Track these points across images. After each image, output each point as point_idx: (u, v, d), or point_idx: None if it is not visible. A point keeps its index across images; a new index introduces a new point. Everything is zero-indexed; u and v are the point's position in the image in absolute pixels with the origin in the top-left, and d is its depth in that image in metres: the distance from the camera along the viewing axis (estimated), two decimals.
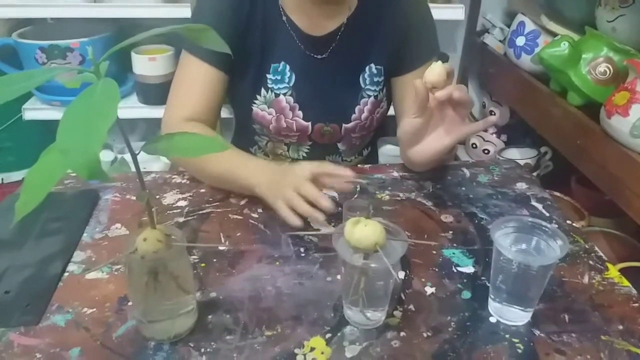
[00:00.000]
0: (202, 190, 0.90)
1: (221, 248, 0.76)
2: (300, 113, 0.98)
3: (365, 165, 1.03)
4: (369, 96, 0.99)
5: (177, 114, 0.92)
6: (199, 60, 0.92)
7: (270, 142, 1.05)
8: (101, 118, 0.42)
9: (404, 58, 0.98)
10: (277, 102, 0.97)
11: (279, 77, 0.96)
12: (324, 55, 0.96)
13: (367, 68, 0.98)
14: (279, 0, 0.93)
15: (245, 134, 1.07)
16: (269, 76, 0.96)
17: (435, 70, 0.77)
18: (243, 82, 0.97)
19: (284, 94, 0.96)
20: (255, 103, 0.98)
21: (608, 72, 1.26)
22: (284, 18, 0.93)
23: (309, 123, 0.99)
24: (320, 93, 0.97)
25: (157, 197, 0.88)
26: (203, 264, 0.73)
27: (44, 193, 0.45)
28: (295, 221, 0.74)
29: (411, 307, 0.66)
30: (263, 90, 0.96)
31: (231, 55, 0.89)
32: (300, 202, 0.74)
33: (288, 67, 0.95)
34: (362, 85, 0.98)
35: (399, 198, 0.90)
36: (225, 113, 1.02)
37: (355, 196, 0.90)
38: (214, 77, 0.93)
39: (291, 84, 0.96)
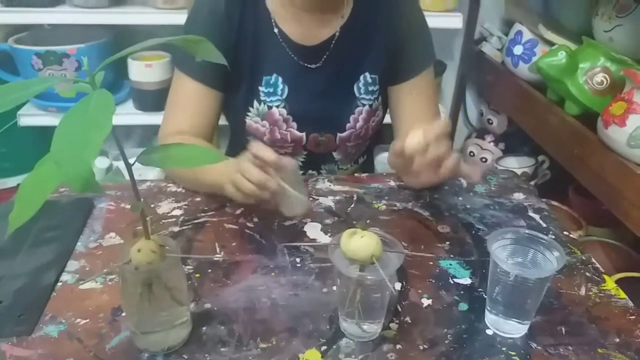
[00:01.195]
0: (198, 199, 0.90)
1: (216, 258, 0.76)
2: (294, 124, 0.98)
3: (363, 175, 1.03)
4: (364, 105, 0.99)
5: (172, 129, 0.93)
6: (189, 78, 0.92)
7: None
8: (96, 130, 0.41)
9: (400, 67, 0.98)
10: (270, 114, 0.96)
11: (271, 90, 0.95)
12: (317, 65, 0.96)
13: (361, 77, 0.98)
14: (270, 12, 0.93)
15: (239, 144, 1.06)
16: (261, 89, 0.95)
17: (414, 140, 0.70)
18: (235, 95, 0.96)
19: (277, 106, 0.96)
20: (248, 115, 0.98)
21: (605, 81, 1.26)
22: (276, 30, 0.93)
23: (304, 134, 0.99)
24: (314, 103, 0.97)
25: (152, 205, 0.88)
26: (198, 275, 0.72)
27: (37, 205, 0.45)
28: (244, 199, 0.74)
29: (407, 319, 0.66)
30: (256, 103, 0.96)
31: (223, 72, 0.90)
32: (244, 182, 0.72)
33: (280, 79, 0.95)
34: (357, 95, 0.98)
35: (395, 208, 0.90)
36: (221, 121, 1.02)
37: (352, 206, 0.89)
38: (205, 95, 0.93)
39: (284, 96, 0.96)
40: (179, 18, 1.55)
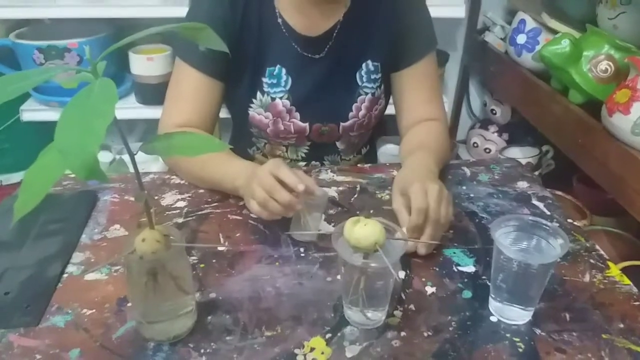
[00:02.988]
0: (201, 191, 0.90)
1: (220, 248, 0.76)
2: (297, 115, 0.98)
3: (366, 165, 1.03)
4: (366, 94, 0.99)
5: (172, 120, 0.92)
6: (192, 68, 0.91)
7: (268, 144, 1.04)
8: (99, 118, 0.41)
9: (402, 53, 0.98)
10: (273, 105, 0.96)
11: (274, 81, 0.95)
12: (320, 55, 0.96)
13: (363, 65, 0.97)
14: (274, 3, 0.93)
15: (243, 136, 1.06)
16: (264, 80, 0.95)
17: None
18: (239, 86, 0.96)
19: (280, 98, 0.96)
20: (251, 107, 0.97)
21: (609, 69, 1.25)
22: (279, 20, 0.93)
23: (307, 124, 0.99)
24: (316, 93, 0.97)
25: (156, 197, 0.88)
26: (202, 265, 0.73)
27: (42, 193, 0.45)
28: (268, 217, 0.74)
29: (411, 306, 0.66)
30: (259, 94, 0.96)
31: (225, 63, 0.90)
32: (273, 204, 0.71)
33: (284, 70, 0.95)
34: (359, 83, 0.98)
35: None
36: (223, 113, 1.02)
37: (355, 196, 0.89)
38: (207, 85, 0.93)
39: (287, 87, 0.96)
40: (180, 11, 1.55)
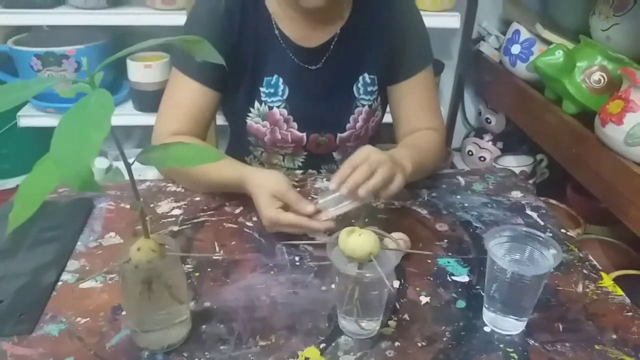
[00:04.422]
0: (197, 199, 0.90)
1: (215, 257, 0.76)
2: (294, 124, 0.98)
3: None
4: (363, 105, 0.99)
5: (167, 128, 0.92)
6: (187, 77, 0.92)
7: (265, 153, 1.05)
8: (95, 129, 0.42)
9: (398, 66, 0.99)
10: (271, 114, 0.97)
11: (272, 90, 0.96)
12: (317, 66, 0.96)
13: (360, 78, 0.98)
14: (271, 14, 0.93)
15: (240, 145, 1.07)
16: (262, 89, 0.96)
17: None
18: (236, 96, 0.97)
19: (278, 107, 0.96)
20: (249, 116, 0.98)
21: (602, 80, 1.27)
22: (276, 31, 0.94)
23: (304, 134, 0.99)
24: (314, 104, 0.97)
25: (152, 205, 0.88)
26: (197, 273, 0.73)
27: (37, 204, 0.45)
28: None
29: (406, 316, 0.66)
30: (257, 104, 0.97)
31: (222, 73, 0.91)
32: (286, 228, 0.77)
33: (281, 80, 0.95)
34: (356, 95, 0.99)
35: (393, 206, 0.90)
36: (221, 121, 1.02)
37: None
38: (203, 94, 0.93)
39: (285, 97, 0.96)
40: (178, 19, 1.55)
